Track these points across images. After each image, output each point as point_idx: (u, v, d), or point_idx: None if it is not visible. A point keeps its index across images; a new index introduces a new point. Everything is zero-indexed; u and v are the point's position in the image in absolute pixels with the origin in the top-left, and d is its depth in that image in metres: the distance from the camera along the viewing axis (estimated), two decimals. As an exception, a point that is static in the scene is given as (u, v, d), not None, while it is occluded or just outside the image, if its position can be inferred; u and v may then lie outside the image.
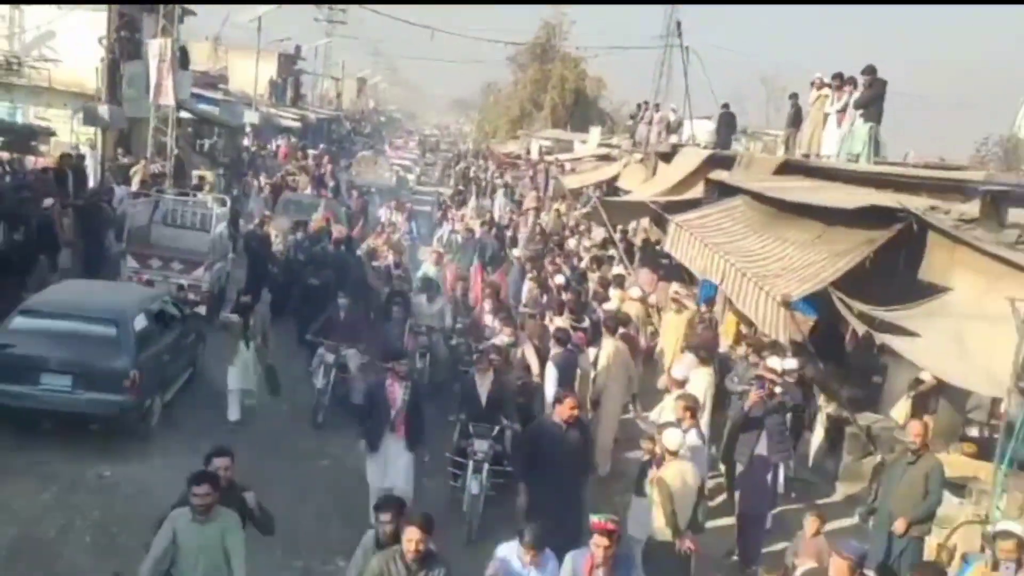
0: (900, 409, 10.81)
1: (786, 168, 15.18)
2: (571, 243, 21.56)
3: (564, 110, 52.78)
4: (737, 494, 9.44)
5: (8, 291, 12.10)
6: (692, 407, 8.57)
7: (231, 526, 6.00)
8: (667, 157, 21.15)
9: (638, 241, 21.76)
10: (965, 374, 8.43)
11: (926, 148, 24.44)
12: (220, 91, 38.22)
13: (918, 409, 10.44)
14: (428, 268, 16.07)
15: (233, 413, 11.11)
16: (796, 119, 18.10)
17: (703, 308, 13.92)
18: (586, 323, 12.54)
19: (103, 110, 23.09)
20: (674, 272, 16.68)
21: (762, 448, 9.10)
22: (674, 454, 7.57)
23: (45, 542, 7.84)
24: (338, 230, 17.47)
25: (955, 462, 9.22)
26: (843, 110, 14.78)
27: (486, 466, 9.03)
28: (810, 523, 7.23)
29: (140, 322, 10.33)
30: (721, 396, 10.72)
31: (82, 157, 21.40)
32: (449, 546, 7.25)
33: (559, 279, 15.34)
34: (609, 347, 11.21)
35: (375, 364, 11.20)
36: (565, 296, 13.75)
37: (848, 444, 10.91)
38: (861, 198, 11.12)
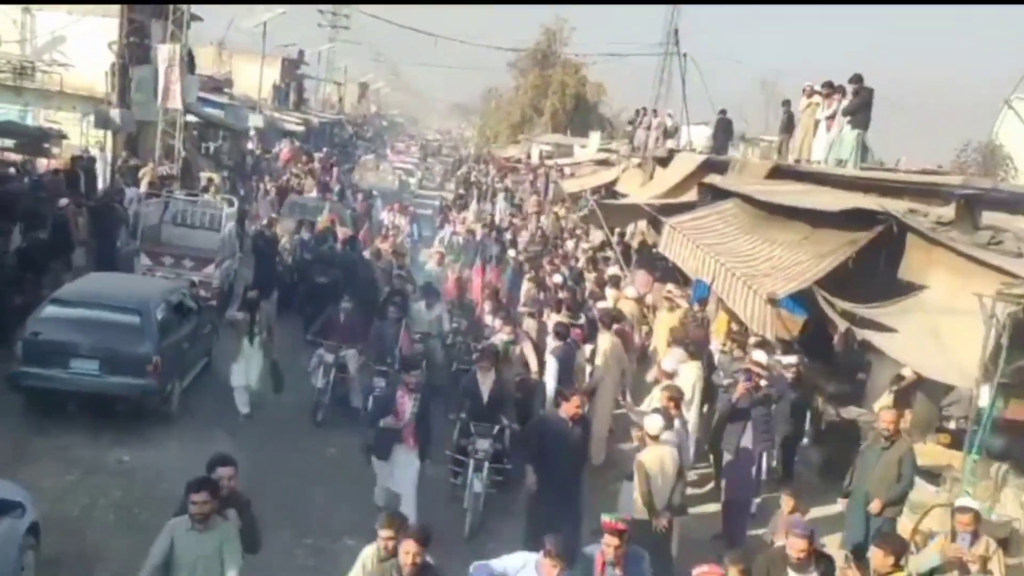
0: (883, 403, 11.13)
1: (777, 173, 15.66)
2: (569, 245, 21.95)
3: (564, 115, 52.91)
4: (724, 482, 9.82)
5: (28, 287, 12.65)
6: (676, 397, 8.92)
7: (229, 536, 5.96)
8: (664, 162, 21.57)
9: (635, 243, 22.06)
10: (939, 367, 8.88)
11: (918, 154, 24.99)
12: (225, 95, 38.77)
13: (899, 403, 10.77)
14: (430, 268, 16.56)
15: (243, 407, 11.46)
16: (789, 125, 18.12)
17: (696, 307, 14.26)
18: (582, 320, 12.84)
19: (115, 114, 23.63)
20: (670, 274, 17.00)
21: (747, 439, 9.50)
22: (655, 439, 7.91)
23: (71, 519, 8.34)
24: (343, 231, 17.88)
25: (931, 452, 9.68)
26: (832, 117, 15.12)
27: (487, 464, 9.19)
28: (786, 502, 7.64)
29: (161, 312, 10.95)
30: (710, 391, 11.07)
31: (93, 159, 21.91)
32: (449, 542, 7.54)
33: (556, 278, 15.70)
34: (605, 341, 11.48)
35: (370, 365, 11.47)
36: (562, 294, 14.06)
37: (831, 435, 11.36)
38: (846, 201, 11.59)
